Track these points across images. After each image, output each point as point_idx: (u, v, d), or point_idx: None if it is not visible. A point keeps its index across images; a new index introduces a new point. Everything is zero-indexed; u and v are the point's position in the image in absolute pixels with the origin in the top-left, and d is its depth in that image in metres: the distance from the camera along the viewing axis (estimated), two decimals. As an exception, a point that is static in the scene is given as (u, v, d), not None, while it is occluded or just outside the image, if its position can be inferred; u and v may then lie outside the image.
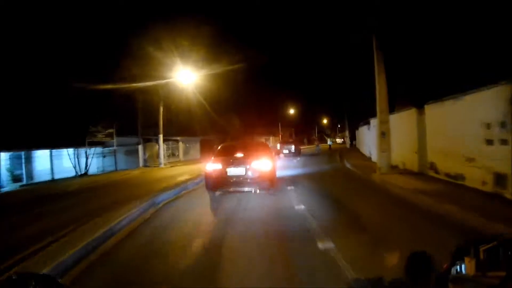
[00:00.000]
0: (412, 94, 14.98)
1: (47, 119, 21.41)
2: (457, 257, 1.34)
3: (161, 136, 25.15)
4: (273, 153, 11.22)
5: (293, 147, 30.71)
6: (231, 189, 9.04)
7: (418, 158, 12.56)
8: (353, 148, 37.94)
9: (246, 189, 8.93)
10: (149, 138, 28.27)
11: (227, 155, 9.59)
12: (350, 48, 22.21)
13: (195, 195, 10.52)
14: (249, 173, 8.83)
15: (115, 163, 24.92)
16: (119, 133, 25.59)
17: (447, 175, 10.41)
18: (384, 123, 12.75)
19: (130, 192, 11.22)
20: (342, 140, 54.37)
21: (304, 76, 64.80)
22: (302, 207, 7.67)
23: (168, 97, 25.69)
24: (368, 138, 22.92)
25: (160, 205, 8.81)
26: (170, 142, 30.76)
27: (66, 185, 16.17)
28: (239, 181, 8.84)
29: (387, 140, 12.70)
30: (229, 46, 27.88)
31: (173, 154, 31.31)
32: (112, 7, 22.28)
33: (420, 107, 12.40)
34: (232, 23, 38.94)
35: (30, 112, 20.97)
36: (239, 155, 9.65)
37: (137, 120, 28.31)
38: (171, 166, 24.82)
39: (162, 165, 24.94)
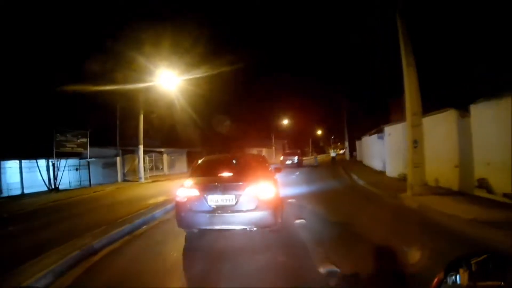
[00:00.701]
0: (442, 93, 12.20)
1: (14, 126, 18.69)
2: (450, 270, 1.43)
3: (141, 147, 22.03)
4: (274, 171, 7.95)
5: (296, 158, 31.83)
6: (215, 227, 5.91)
7: (460, 174, 9.79)
8: (354, 160, 35.23)
9: (237, 227, 5.84)
10: (130, 149, 24.90)
11: (210, 175, 6.60)
12: (351, 48, 19.89)
13: (159, 235, 7.06)
14: (242, 203, 5.79)
15: (89, 177, 21.70)
16: (96, 144, 22.60)
17: (509, 196, 7.65)
18: (416, 127, 9.91)
19: (79, 221, 8.51)
20: (343, 151, 51.59)
21: (298, 86, 62.87)
22: (335, 269, 4.40)
23: (150, 104, 22.81)
24: (378, 148, 19.95)
25: (97, 256, 5.56)
26: (154, 154, 27.71)
27: (26, 203, 14.04)
28: (226, 216, 5.78)
29: (420, 150, 9.86)
30: (218, 51, 25.55)
31: (156, 168, 28.22)
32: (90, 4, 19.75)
33: (460, 108, 9.69)
34: (222, 24, 36.78)
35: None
36: (227, 175, 6.67)
37: (116, 129, 25.21)
38: (153, 181, 21.81)
39: (143, 180, 21.88)
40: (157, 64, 19.49)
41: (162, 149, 28.91)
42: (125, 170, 24.58)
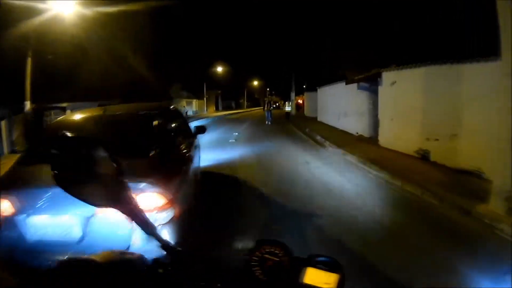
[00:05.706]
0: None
1: None
2: None
3: (28, 103, 15.25)
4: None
5: (277, 104, 38.59)
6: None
7: None
8: (303, 116, 30.57)
9: None
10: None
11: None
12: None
13: None
14: (96, 235, 2.17)
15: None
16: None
17: None
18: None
19: None
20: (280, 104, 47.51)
21: (237, 31, 57.80)
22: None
23: (44, 42, 16.12)
24: (358, 104, 14.86)
25: None
26: (53, 112, 20.68)
27: None
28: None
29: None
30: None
31: (58, 129, 21.31)
32: None
33: None
34: None
35: None
36: None
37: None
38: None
39: (33, 151, 15.39)
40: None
41: (64, 104, 21.75)
42: (14, 137, 17.33)
